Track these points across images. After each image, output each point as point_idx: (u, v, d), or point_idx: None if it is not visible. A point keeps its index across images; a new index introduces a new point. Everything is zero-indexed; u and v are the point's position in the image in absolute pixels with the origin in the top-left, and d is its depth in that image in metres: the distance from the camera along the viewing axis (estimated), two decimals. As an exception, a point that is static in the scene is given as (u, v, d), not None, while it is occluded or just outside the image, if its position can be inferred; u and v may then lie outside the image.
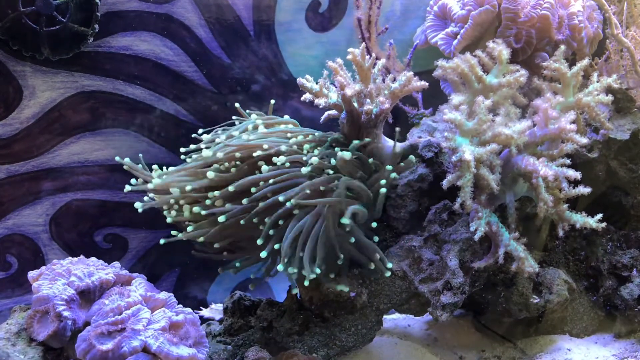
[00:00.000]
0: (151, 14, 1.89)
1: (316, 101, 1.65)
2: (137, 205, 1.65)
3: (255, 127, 1.68)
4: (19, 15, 1.69)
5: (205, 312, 2.03)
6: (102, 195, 1.96)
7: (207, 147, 1.66)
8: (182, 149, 1.71)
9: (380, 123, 1.66)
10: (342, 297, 1.63)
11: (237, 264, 1.68)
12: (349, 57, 1.57)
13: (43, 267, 1.48)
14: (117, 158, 1.71)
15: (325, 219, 1.50)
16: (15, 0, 1.68)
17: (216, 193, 1.55)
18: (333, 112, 1.72)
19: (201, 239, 1.57)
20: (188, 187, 1.58)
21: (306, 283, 1.48)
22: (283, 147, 1.58)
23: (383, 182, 1.57)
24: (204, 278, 2.11)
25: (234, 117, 1.81)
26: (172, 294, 1.47)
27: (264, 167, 1.55)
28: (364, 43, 1.74)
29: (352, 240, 1.53)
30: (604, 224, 1.46)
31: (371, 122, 1.63)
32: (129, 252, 2.01)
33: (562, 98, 1.51)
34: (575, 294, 1.79)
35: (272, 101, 1.85)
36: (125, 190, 1.67)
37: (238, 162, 1.60)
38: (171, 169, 1.67)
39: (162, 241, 1.64)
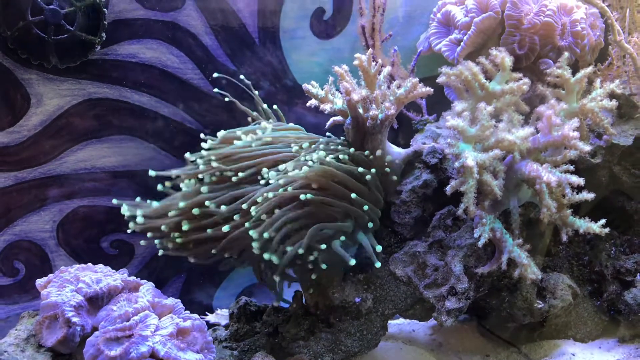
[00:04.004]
0: (157, 22, 1.90)
1: (321, 107, 1.66)
2: (131, 226, 1.65)
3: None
4: (28, 24, 1.71)
5: (211, 318, 2.04)
6: (109, 201, 1.97)
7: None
8: (187, 155, 1.72)
9: (385, 129, 1.67)
10: (347, 302, 1.64)
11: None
12: (356, 62, 1.58)
13: (51, 275, 1.50)
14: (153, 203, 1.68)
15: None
16: (24, 9, 1.70)
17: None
18: (338, 118, 1.73)
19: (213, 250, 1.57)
20: (181, 204, 1.59)
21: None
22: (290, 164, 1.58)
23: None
24: (209, 284, 2.12)
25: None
26: (179, 300, 1.48)
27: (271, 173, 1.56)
28: (370, 49, 1.75)
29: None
30: (607, 229, 1.47)
31: (376, 128, 1.64)
32: (135, 258, 2.03)
33: (565, 105, 1.52)
34: (579, 299, 1.80)
35: (275, 106, 1.87)
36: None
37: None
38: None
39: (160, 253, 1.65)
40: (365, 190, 1.59)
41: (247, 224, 1.51)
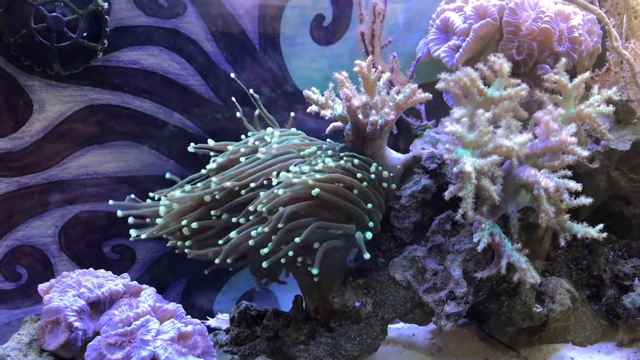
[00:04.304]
0: (159, 29, 1.92)
1: (322, 113, 1.67)
2: (133, 232, 1.69)
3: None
4: (31, 31, 1.73)
5: (211, 322, 2.05)
6: (110, 207, 1.98)
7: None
8: (192, 146, 1.75)
9: (384, 134, 1.68)
10: (347, 307, 1.65)
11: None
12: (356, 69, 1.60)
13: (53, 280, 1.51)
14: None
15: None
16: (27, 17, 1.71)
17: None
18: (338, 123, 1.75)
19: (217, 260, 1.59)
20: (184, 222, 1.62)
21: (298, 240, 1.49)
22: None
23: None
24: (210, 288, 2.14)
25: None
26: (180, 305, 1.49)
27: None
28: (370, 56, 1.76)
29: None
30: (604, 234, 1.48)
31: (376, 133, 1.65)
32: (136, 263, 2.04)
33: (563, 110, 1.54)
34: (578, 303, 1.81)
35: (292, 114, 1.89)
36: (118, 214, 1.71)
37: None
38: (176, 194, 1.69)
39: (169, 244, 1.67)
40: (369, 192, 1.60)
41: (251, 218, 1.54)
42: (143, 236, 1.67)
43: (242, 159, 1.67)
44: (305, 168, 1.56)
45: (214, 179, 1.65)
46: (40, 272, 1.94)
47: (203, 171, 1.72)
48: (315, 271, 1.50)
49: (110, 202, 1.75)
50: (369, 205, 1.57)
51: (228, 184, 1.59)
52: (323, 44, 2.08)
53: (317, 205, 1.54)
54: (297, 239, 1.48)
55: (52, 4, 1.74)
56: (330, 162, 1.58)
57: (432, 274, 1.65)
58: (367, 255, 1.51)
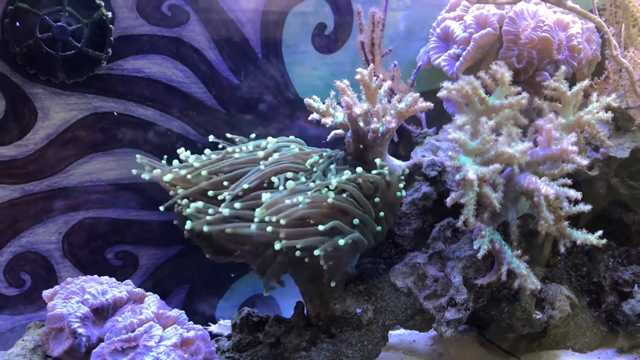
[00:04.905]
0: (162, 38, 1.94)
1: (323, 120, 1.69)
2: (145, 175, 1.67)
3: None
4: (37, 41, 1.75)
5: (213, 328, 2.06)
6: (114, 213, 2.00)
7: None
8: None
9: (385, 142, 1.70)
10: (348, 313, 1.66)
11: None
12: (358, 77, 1.61)
13: (57, 286, 1.52)
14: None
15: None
16: (32, 26, 1.73)
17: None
18: (339, 131, 1.76)
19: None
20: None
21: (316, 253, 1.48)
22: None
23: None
24: (212, 294, 2.15)
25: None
26: (183, 312, 1.50)
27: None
28: (372, 64, 1.78)
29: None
30: (604, 241, 1.48)
31: (377, 141, 1.66)
32: (139, 269, 2.05)
33: (563, 119, 1.55)
34: (578, 310, 1.81)
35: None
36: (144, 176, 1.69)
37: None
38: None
39: (161, 208, 1.65)
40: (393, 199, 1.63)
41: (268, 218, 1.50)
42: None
43: (237, 156, 1.67)
44: (334, 181, 1.55)
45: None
46: (43, 278, 1.95)
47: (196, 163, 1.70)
48: (317, 252, 1.47)
49: (138, 157, 1.71)
50: (382, 214, 1.59)
51: (226, 193, 1.60)
52: (325, 52, 2.09)
53: (328, 215, 1.54)
54: (320, 227, 1.47)
55: (57, 13, 1.76)
56: (350, 174, 1.59)
57: (432, 280, 1.66)
58: (341, 242, 1.48)
